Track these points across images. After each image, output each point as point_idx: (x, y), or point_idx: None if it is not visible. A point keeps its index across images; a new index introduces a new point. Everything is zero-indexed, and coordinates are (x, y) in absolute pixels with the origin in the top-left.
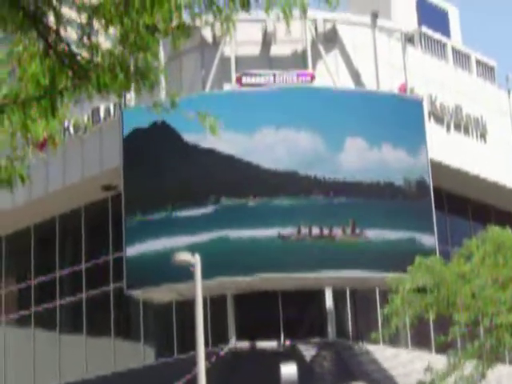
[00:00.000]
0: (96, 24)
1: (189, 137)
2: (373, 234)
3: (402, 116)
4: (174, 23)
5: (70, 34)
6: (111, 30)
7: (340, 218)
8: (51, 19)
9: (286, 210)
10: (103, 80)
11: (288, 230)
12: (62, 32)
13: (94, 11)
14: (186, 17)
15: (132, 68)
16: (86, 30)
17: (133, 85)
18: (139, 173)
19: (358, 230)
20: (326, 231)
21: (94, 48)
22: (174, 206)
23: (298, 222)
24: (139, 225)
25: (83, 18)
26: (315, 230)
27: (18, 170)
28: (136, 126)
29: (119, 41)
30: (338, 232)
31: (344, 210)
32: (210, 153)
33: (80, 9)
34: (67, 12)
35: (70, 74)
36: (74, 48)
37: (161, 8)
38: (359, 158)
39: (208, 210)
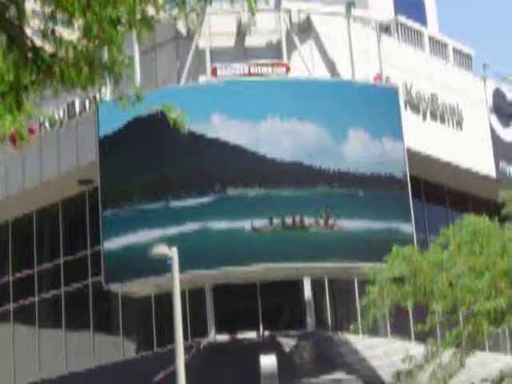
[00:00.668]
0: (60, 17)
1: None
2: (350, 224)
3: (377, 105)
4: (138, 16)
5: (36, 27)
6: (77, 23)
7: (315, 209)
8: (13, 13)
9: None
10: (68, 74)
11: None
12: (26, 25)
13: (57, 4)
14: (150, 10)
15: (96, 61)
16: (49, 24)
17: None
18: (115, 166)
19: (331, 221)
20: (298, 221)
21: (57, 42)
22: (156, 197)
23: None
24: (116, 218)
25: (47, 11)
26: (287, 220)
27: None
28: (112, 120)
29: (83, 34)
30: (311, 222)
31: (320, 200)
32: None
33: (43, 1)
34: (31, 5)
35: (35, 68)
36: (38, 42)
37: (124, 1)
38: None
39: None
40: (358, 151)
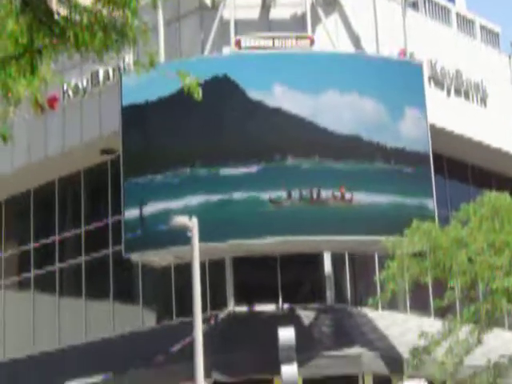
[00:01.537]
0: None
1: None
2: (370, 197)
3: (402, 80)
4: None
5: None
6: None
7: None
8: None
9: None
10: (81, 38)
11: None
12: None
13: None
14: None
15: (110, 26)
16: None
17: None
18: (138, 135)
19: (348, 195)
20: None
21: (72, 6)
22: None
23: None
24: (138, 188)
25: None
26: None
27: None
28: (136, 90)
29: None
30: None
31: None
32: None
33: None
34: None
35: (48, 32)
36: (52, 5)
37: None
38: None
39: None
40: (384, 126)
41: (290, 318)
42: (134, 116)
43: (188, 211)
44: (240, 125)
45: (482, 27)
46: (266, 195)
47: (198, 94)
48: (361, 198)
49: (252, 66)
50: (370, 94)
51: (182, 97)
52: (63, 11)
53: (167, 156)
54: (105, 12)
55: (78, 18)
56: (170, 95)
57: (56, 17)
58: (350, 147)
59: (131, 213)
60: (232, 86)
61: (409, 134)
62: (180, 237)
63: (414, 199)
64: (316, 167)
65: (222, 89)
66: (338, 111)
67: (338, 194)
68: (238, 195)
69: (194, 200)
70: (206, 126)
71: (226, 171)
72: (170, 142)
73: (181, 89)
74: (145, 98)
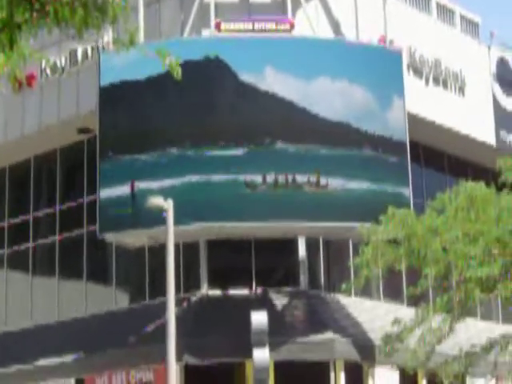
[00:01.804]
0: None
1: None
2: (346, 184)
3: (381, 67)
4: None
5: None
6: None
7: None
8: None
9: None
10: (62, 13)
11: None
12: None
13: None
14: None
15: (90, 3)
16: None
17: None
18: (116, 115)
19: (323, 181)
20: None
21: None
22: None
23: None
24: (113, 168)
25: None
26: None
27: None
28: (114, 69)
29: None
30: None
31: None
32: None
33: None
34: None
35: (28, 7)
36: None
37: None
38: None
39: (238, 152)
40: (361, 110)
41: (263, 302)
42: (112, 95)
43: (165, 192)
44: (230, 107)
45: (462, 17)
46: (243, 178)
47: (178, 74)
48: (337, 184)
49: (243, 48)
50: (359, 82)
51: (161, 77)
52: None
53: (151, 136)
54: None
55: None
56: (152, 75)
57: None
58: (339, 133)
59: (106, 193)
60: (219, 67)
61: (388, 122)
62: (155, 218)
63: (389, 187)
64: (299, 152)
65: (209, 70)
66: (329, 98)
67: (313, 179)
68: (217, 177)
69: (174, 181)
70: (193, 106)
71: (214, 153)
72: (153, 122)
73: (163, 69)
74: (124, 78)
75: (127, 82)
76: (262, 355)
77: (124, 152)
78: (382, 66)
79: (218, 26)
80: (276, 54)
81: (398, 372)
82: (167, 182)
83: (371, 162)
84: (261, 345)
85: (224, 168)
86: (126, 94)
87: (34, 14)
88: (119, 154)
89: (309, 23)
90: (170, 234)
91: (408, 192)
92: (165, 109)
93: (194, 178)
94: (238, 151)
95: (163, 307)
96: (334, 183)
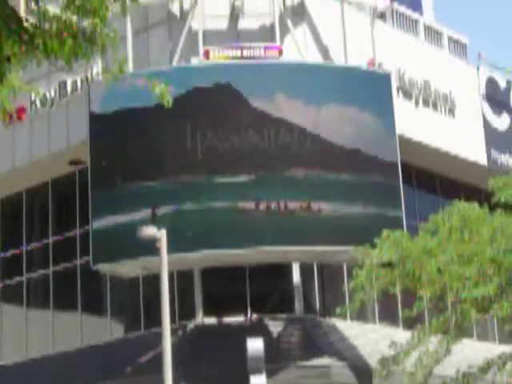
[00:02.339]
0: None
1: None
2: (339, 208)
3: (370, 90)
4: None
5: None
6: None
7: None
8: None
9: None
10: (51, 45)
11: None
12: None
13: None
14: None
15: (80, 33)
16: None
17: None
18: (107, 146)
19: (315, 205)
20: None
21: (41, 13)
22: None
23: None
24: (106, 198)
25: None
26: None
27: None
28: (105, 99)
29: (66, 5)
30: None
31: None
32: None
33: None
34: None
35: (17, 39)
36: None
37: None
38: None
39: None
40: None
41: (259, 329)
42: (103, 126)
43: (157, 221)
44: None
45: (450, 38)
46: (239, 206)
47: (168, 103)
48: (330, 208)
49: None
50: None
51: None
52: (32, 19)
53: (140, 166)
54: (74, 19)
55: (47, 25)
56: (143, 105)
57: (25, 24)
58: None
59: (99, 223)
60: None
61: (378, 143)
62: (148, 247)
63: (382, 209)
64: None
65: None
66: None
67: (304, 204)
68: (213, 205)
69: (165, 209)
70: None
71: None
72: (144, 152)
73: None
74: (114, 109)
75: (117, 112)
76: (258, 382)
77: (116, 182)
78: (371, 89)
79: (206, 54)
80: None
81: None
82: (162, 210)
83: (363, 185)
84: (257, 372)
85: (221, 196)
86: (117, 125)
87: (23, 47)
88: (111, 184)
89: (297, 49)
90: (164, 263)
91: (401, 214)
92: (149, 139)
93: (189, 206)
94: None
95: (159, 336)
96: (327, 207)
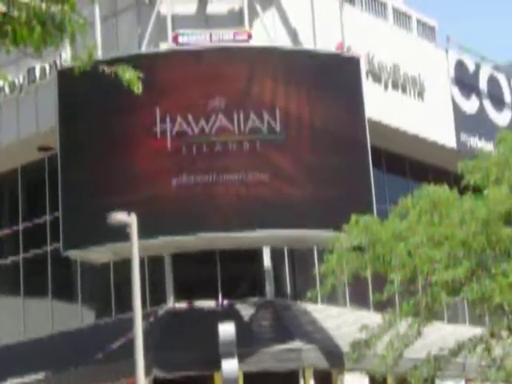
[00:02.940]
0: None
1: None
2: (309, 191)
3: (339, 74)
4: None
5: None
6: None
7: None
8: None
9: None
10: (20, 33)
11: None
12: None
13: None
14: None
15: (49, 21)
16: None
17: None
18: (76, 132)
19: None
20: None
21: (10, 1)
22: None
23: None
24: (75, 184)
25: None
26: None
27: None
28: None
29: None
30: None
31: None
32: None
33: None
34: None
35: None
36: None
37: None
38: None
39: None
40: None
41: (230, 314)
42: (71, 112)
43: (125, 206)
44: None
45: (419, 21)
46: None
47: (138, 89)
48: (299, 191)
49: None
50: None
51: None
52: (1, 7)
53: (104, 152)
54: (43, 7)
55: (16, 13)
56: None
57: None
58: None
59: (69, 209)
60: None
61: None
62: (118, 233)
63: (353, 193)
64: None
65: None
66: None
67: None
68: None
69: (132, 196)
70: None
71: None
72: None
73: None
74: (83, 94)
75: (86, 98)
76: (230, 366)
77: (84, 168)
78: (340, 73)
79: (175, 39)
80: None
81: (367, 378)
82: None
83: (333, 168)
84: (229, 356)
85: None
86: (86, 111)
87: None
88: (79, 169)
89: (266, 33)
90: (135, 249)
91: (372, 198)
92: None
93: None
94: None
95: (130, 322)
96: (297, 191)
